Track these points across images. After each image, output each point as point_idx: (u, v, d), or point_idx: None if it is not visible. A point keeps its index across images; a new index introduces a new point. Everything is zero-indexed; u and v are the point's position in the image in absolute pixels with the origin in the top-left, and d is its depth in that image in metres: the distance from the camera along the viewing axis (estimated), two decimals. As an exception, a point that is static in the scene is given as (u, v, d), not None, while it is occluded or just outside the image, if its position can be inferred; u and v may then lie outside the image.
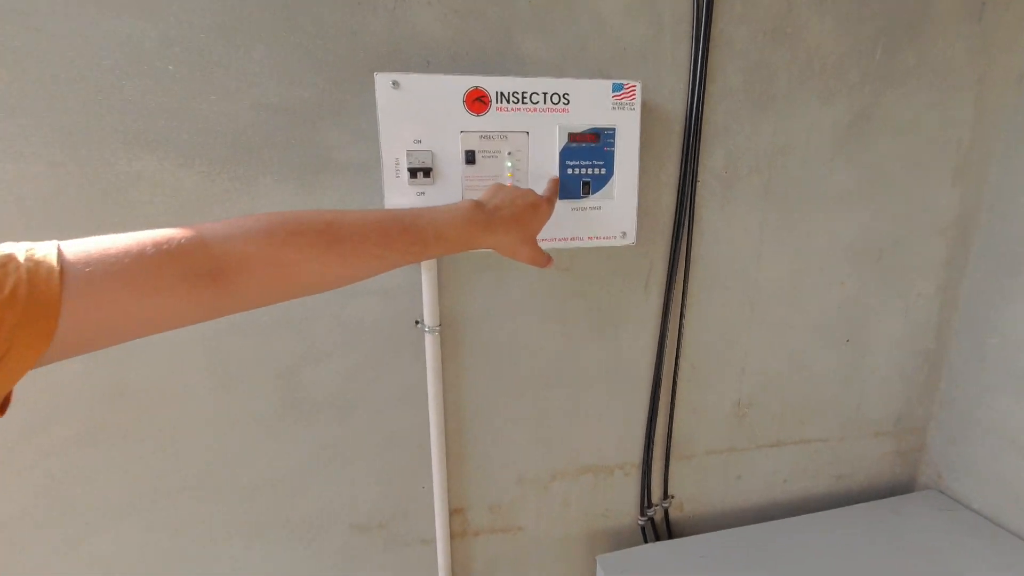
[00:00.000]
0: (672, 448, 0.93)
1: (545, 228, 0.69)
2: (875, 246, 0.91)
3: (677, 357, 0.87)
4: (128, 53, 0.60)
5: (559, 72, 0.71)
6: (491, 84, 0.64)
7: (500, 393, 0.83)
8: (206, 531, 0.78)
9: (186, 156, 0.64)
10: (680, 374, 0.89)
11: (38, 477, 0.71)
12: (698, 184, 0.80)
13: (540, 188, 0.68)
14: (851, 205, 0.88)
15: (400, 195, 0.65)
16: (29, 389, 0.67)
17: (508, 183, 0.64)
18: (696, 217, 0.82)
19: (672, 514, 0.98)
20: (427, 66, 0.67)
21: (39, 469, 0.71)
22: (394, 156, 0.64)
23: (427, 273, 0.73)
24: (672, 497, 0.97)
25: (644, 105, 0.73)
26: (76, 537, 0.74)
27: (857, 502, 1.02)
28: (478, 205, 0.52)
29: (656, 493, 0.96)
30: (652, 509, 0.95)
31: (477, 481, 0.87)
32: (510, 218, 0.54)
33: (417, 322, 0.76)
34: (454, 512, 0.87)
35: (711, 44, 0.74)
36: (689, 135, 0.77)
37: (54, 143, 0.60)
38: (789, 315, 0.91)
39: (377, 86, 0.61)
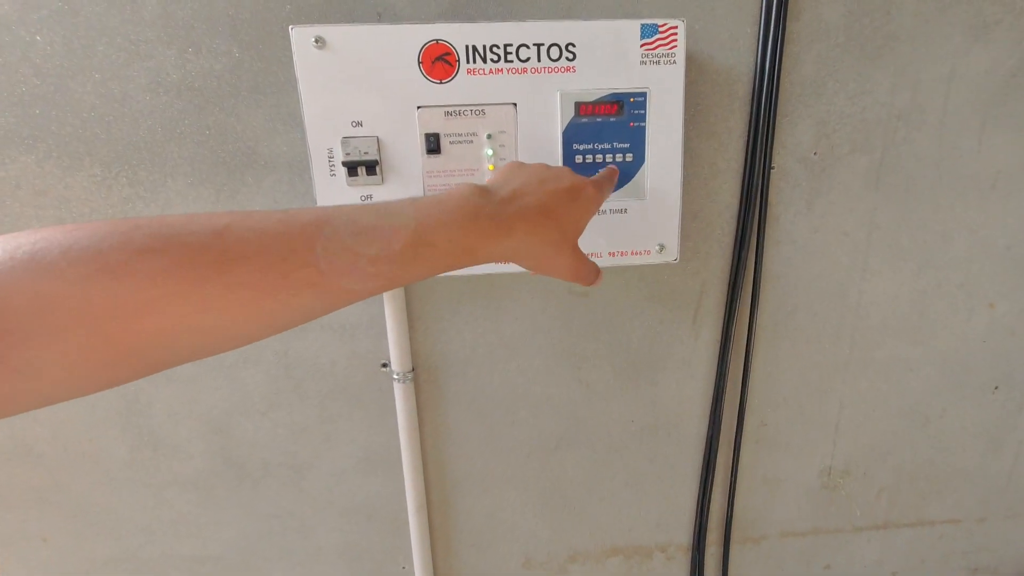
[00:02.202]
0: (733, 528, 0.69)
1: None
2: (1045, 253, 0.62)
3: (741, 411, 0.64)
4: (-15, 23, 0.45)
5: (566, 14, 0.50)
6: (457, 35, 0.44)
7: (497, 455, 0.63)
8: (141, 611, 0.64)
9: (72, 156, 0.49)
10: (745, 433, 0.65)
11: (-48, 541, 0.60)
12: (773, 172, 0.56)
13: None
14: (1012, 192, 0.59)
15: (336, 200, 0.47)
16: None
17: (521, 163, 0.39)
18: (770, 219, 0.58)
19: (733, 610, 0.74)
20: (378, 19, 0.49)
21: (-48, 532, 0.60)
22: (325, 146, 0.45)
23: (392, 303, 0.54)
24: (733, 589, 0.73)
25: (690, 58, 0.50)
26: (-3, 611, 0.63)
27: (1003, 606, 0.73)
28: (484, 192, 0.31)
29: (711, 583, 0.73)
30: (705, 604, 0.72)
31: (471, 562, 0.68)
32: (537, 209, 0.32)
33: (384, 365, 0.58)
34: (443, 597, 0.69)
35: (796, -41, 0.50)
36: (760, 100, 0.53)
37: (-88, 146, 0.48)
38: (908, 352, 0.65)
39: (294, 46, 0.43)
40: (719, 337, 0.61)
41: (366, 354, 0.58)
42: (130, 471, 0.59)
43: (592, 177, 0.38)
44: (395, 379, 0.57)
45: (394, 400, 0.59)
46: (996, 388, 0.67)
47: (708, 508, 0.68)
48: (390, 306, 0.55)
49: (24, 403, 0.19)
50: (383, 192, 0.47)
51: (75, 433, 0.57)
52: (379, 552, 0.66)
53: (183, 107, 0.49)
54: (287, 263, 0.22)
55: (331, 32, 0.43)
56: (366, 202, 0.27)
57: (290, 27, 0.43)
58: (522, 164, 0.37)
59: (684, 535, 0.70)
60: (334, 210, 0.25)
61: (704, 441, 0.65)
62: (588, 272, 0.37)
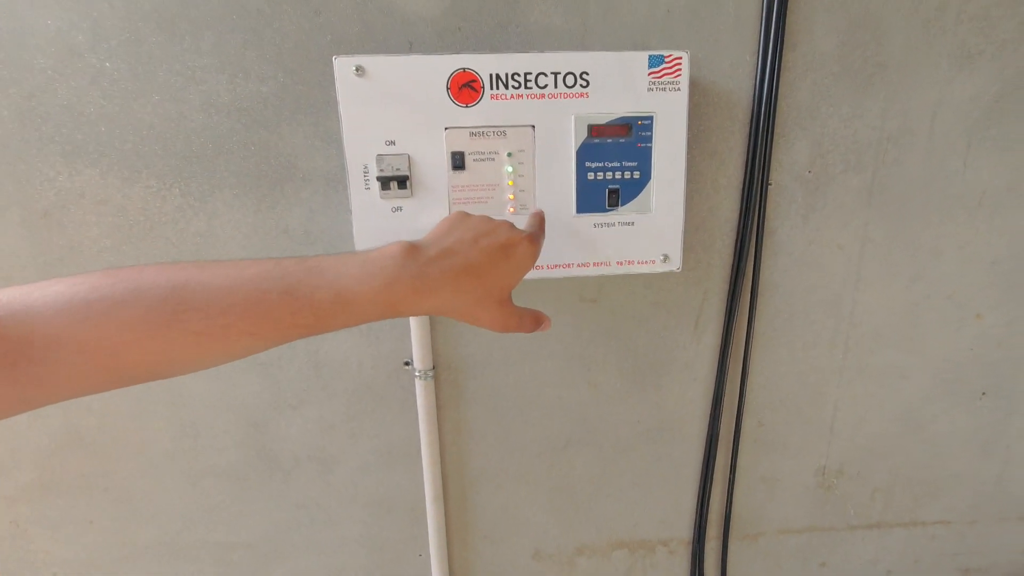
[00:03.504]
0: (732, 524, 0.73)
1: (562, 250, 0.54)
2: (1030, 266, 0.66)
3: (740, 412, 0.67)
4: (60, 51, 0.51)
5: (579, 46, 0.55)
6: (483, 64, 0.49)
7: (510, 452, 0.68)
8: (175, 593, 0.69)
9: (132, 169, 0.54)
10: (743, 433, 0.69)
11: (4, 524, 0.65)
12: (770, 188, 0.60)
13: (553, 197, 0.52)
14: (997, 210, 0.63)
15: (370, 211, 0.51)
16: (-22, 433, 0.61)
17: (474, 213, 0.41)
18: (767, 232, 0.62)
19: (733, 604, 0.78)
20: (409, 48, 0.54)
21: (4, 516, 0.64)
22: (361, 162, 0.50)
23: (415, 305, 0.59)
24: (733, 584, 0.77)
25: (694, 84, 0.55)
26: (42, 590, 0.67)
27: (995, 606, 0.76)
28: (411, 251, 0.34)
29: (712, 578, 0.76)
30: (706, 598, 0.75)
31: (484, 553, 0.72)
32: (463, 269, 0.34)
33: (407, 364, 0.63)
34: (457, 586, 0.73)
35: (792, -4, 0.54)
36: (758, 122, 0.58)
37: (-10, 159, 0.53)
38: (900, 359, 0.68)
39: (337, 74, 0.48)
40: (719, 342, 0.65)
41: (389, 354, 0.63)
42: (171, 460, 0.64)
43: (526, 231, 0.40)
44: (417, 376, 0.61)
45: (415, 398, 0.63)
46: (983, 395, 0.71)
47: (708, 505, 0.71)
48: (414, 309, 0.59)
49: (30, 404, 0.26)
50: (412, 204, 0.51)
51: (123, 423, 0.62)
52: (398, 542, 0.70)
53: (232, 126, 0.54)
54: (227, 317, 0.28)
55: (370, 61, 0.48)
56: (309, 256, 0.32)
57: (334, 57, 0.48)
58: (465, 217, 0.39)
59: (685, 531, 0.73)
60: (274, 265, 0.30)
61: (705, 441, 0.69)
62: (519, 324, 0.39)
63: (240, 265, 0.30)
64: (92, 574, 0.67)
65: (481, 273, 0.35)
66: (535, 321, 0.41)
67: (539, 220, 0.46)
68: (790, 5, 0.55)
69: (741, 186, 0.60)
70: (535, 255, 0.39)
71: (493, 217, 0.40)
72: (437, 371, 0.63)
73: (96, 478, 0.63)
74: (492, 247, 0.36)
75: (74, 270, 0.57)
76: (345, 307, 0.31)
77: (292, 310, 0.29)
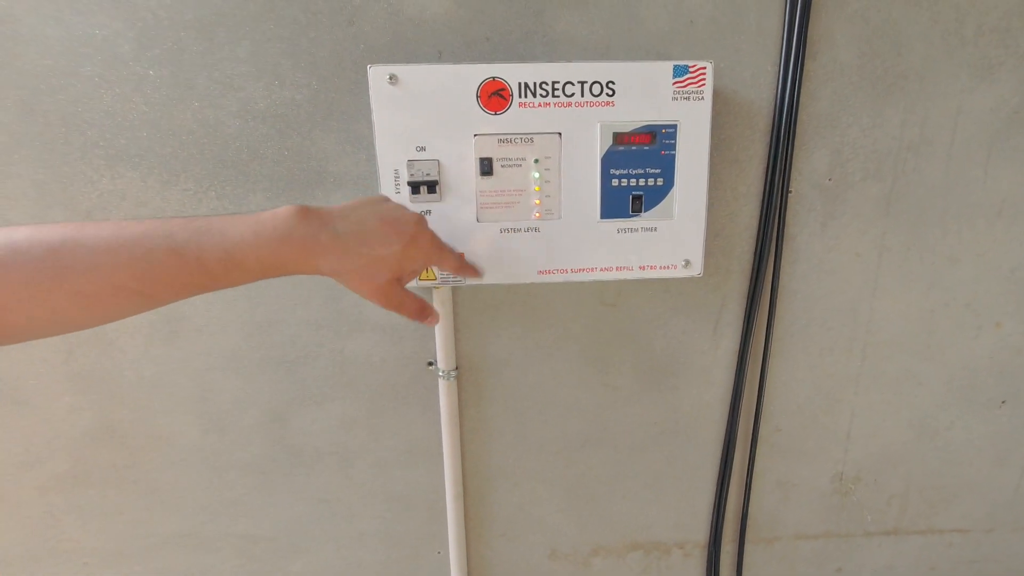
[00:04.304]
0: (748, 528, 0.73)
1: (586, 254, 0.55)
2: (1050, 276, 0.66)
3: (757, 417, 0.68)
4: (106, 58, 0.53)
5: (604, 55, 0.56)
6: (512, 73, 0.50)
7: (528, 451, 0.69)
8: (199, 584, 0.70)
9: (171, 172, 0.56)
10: (760, 438, 0.69)
11: (37, 513, 0.67)
12: (790, 196, 0.61)
13: (578, 203, 0.53)
14: (1017, 219, 0.64)
15: (400, 215, 0.53)
16: (17, 421, 0.63)
17: (391, 198, 0.43)
18: (787, 239, 0.63)
19: (747, 609, 0.78)
20: (439, 57, 0.55)
21: (38, 505, 0.67)
22: (392, 167, 0.52)
23: (441, 308, 0.60)
24: (747, 588, 0.77)
25: (716, 93, 0.56)
26: (72, 578, 0.69)
27: (1011, 616, 0.75)
28: (304, 213, 0.34)
29: (726, 581, 0.76)
30: (720, 601, 0.76)
31: (502, 551, 0.73)
32: (353, 237, 0.35)
33: (430, 364, 0.64)
34: (473, 584, 0.74)
35: (812, 4, 0.55)
36: (779, 131, 0.59)
37: (36, 160, 0.55)
38: (917, 367, 0.69)
39: (371, 82, 0.50)
40: (737, 348, 0.66)
41: (412, 354, 0.64)
42: (199, 453, 0.65)
43: (430, 237, 0.41)
44: (440, 376, 0.63)
45: (437, 397, 0.65)
46: (1003, 403, 0.71)
47: (724, 508, 0.72)
48: (440, 310, 0.60)
49: None
50: (442, 208, 0.53)
51: (153, 417, 0.64)
52: (417, 538, 0.71)
53: (267, 132, 0.56)
54: (114, 277, 0.29)
55: (403, 70, 0.50)
56: (198, 215, 0.32)
57: (368, 66, 0.50)
58: (382, 200, 0.40)
59: (701, 533, 0.74)
60: (159, 225, 0.30)
61: (721, 445, 0.70)
62: (399, 305, 0.40)
63: (122, 225, 0.30)
64: (120, 563, 0.69)
65: (372, 243, 0.36)
66: (419, 310, 0.42)
67: (454, 261, 0.46)
68: (812, 16, 0.56)
69: (761, 194, 0.61)
70: (427, 243, 0.40)
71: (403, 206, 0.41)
72: (460, 371, 0.64)
73: (127, 470, 0.65)
74: (390, 224, 0.37)
75: (113, 268, 0.59)
76: (235, 265, 0.31)
77: (181, 269, 0.30)
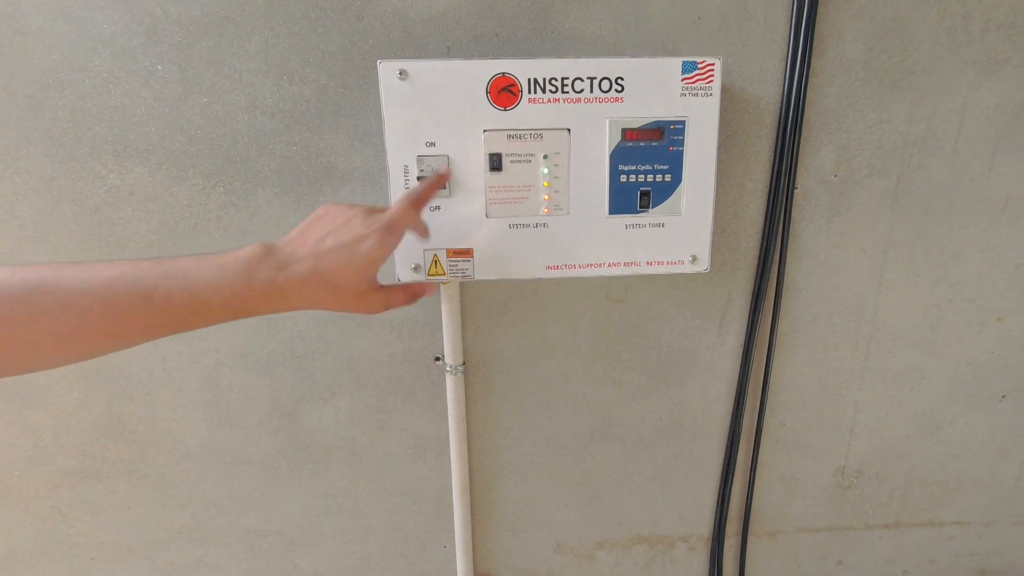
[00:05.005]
0: (751, 522, 0.74)
1: (594, 250, 0.55)
2: (1053, 272, 0.67)
3: (761, 412, 0.69)
4: (114, 54, 0.53)
5: (612, 51, 0.56)
6: (522, 69, 0.50)
7: (535, 446, 0.69)
8: (208, 578, 0.71)
9: (179, 168, 0.57)
10: (764, 433, 0.70)
11: (45, 508, 0.67)
12: (796, 192, 0.62)
13: (586, 198, 0.53)
14: (1021, 216, 0.64)
15: (409, 211, 0.53)
16: (27, 417, 0.63)
17: (345, 205, 0.41)
18: (792, 235, 0.63)
19: (750, 601, 0.79)
20: (447, 53, 0.55)
21: (46, 500, 0.67)
22: (402, 163, 0.52)
23: (449, 303, 0.61)
24: (750, 581, 0.78)
25: (723, 89, 0.56)
26: (82, 573, 0.70)
27: (1011, 608, 0.76)
28: (265, 255, 0.34)
29: (730, 573, 0.77)
30: (724, 594, 0.77)
31: (507, 545, 0.73)
32: (308, 276, 0.35)
33: (437, 359, 0.64)
34: (479, 578, 0.74)
35: (819, 1, 0.55)
36: (785, 127, 0.59)
37: (44, 155, 0.55)
38: (920, 362, 0.69)
39: (381, 77, 0.50)
40: (743, 343, 0.66)
41: (421, 349, 0.64)
42: (207, 449, 0.66)
43: (383, 221, 0.38)
44: (447, 371, 0.63)
45: (444, 392, 0.65)
46: (1003, 397, 0.72)
47: (728, 502, 0.72)
48: (446, 305, 0.61)
49: None
50: (451, 204, 0.53)
51: (163, 412, 0.64)
52: (424, 533, 0.72)
53: (275, 127, 0.56)
54: (84, 318, 0.29)
55: (413, 66, 0.50)
56: (167, 258, 0.33)
57: (378, 61, 0.50)
58: (325, 212, 0.39)
59: (705, 527, 0.75)
60: (130, 268, 0.31)
61: (726, 439, 0.70)
62: (386, 304, 0.39)
63: (96, 268, 0.31)
64: (128, 558, 0.70)
65: (327, 275, 0.36)
66: (408, 296, 0.41)
67: (410, 200, 0.41)
68: (819, 12, 0.56)
69: (767, 189, 0.61)
70: (385, 246, 0.37)
71: (365, 207, 0.39)
72: (467, 366, 0.64)
73: (135, 465, 0.66)
74: (338, 247, 0.36)
75: (121, 264, 0.59)
76: (200, 309, 0.32)
77: (149, 311, 0.31)
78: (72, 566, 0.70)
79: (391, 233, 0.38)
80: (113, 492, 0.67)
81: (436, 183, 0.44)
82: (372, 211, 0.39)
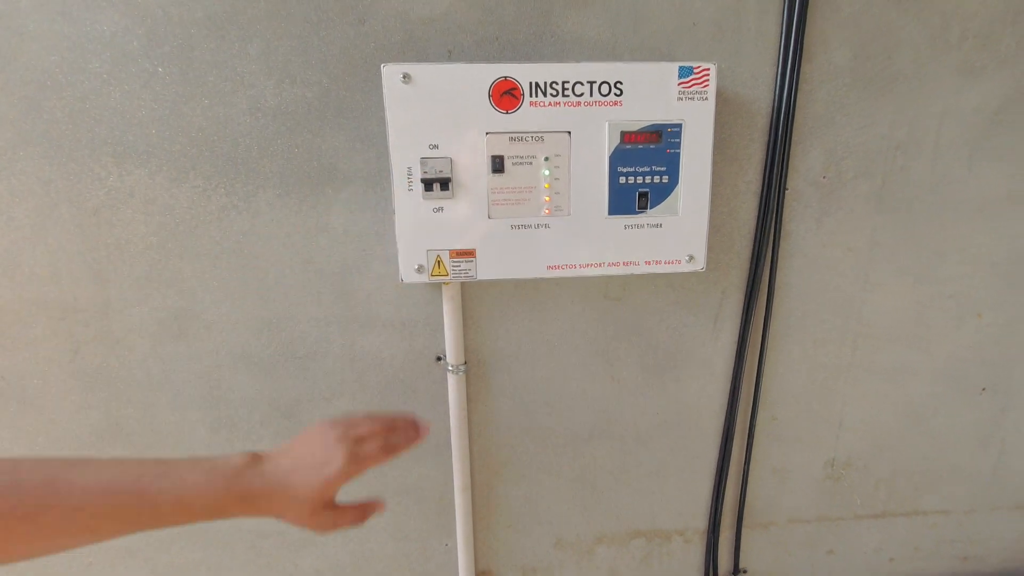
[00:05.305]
0: (745, 514, 0.76)
1: (594, 250, 0.56)
2: (1027, 269, 0.70)
3: (754, 406, 0.71)
4: (114, 55, 0.53)
5: (610, 55, 0.57)
6: (523, 73, 0.51)
7: (534, 444, 0.70)
8: (208, 581, 0.71)
9: (179, 169, 0.56)
10: (758, 427, 0.72)
11: (40, 513, 0.66)
12: (787, 193, 0.64)
13: (587, 199, 0.55)
14: (998, 215, 0.67)
15: (413, 211, 0.54)
16: (23, 421, 0.62)
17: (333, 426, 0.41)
18: (783, 235, 0.65)
19: (744, 591, 0.81)
20: (448, 56, 0.56)
21: (40, 505, 0.66)
22: (405, 164, 0.53)
23: (450, 303, 0.61)
24: (744, 571, 0.80)
25: (718, 93, 0.58)
26: (76, 579, 0.69)
27: (990, 592, 0.80)
28: (253, 462, 0.37)
29: (724, 565, 0.79)
30: (719, 585, 0.78)
31: (508, 541, 0.74)
32: (278, 485, 0.37)
33: (439, 358, 0.65)
34: (481, 575, 0.75)
35: (808, 9, 0.58)
36: (777, 130, 0.61)
37: (42, 157, 0.55)
38: (905, 357, 0.72)
39: (384, 81, 0.50)
40: (736, 339, 0.68)
41: (422, 349, 0.65)
42: (208, 450, 0.65)
43: (356, 451, 0.39)
44: (449, 371, 0.64)
45: (445, 392, 0.66)
46: (983, 390, 0.75)
47: (723, 496, 0.74)
48: (448, 305, 0.62)
49: None
50: (453, 205, 0.54)
51: (162, 414, 0.64)
52: (425, 531, 0.72)
53: (277, 129, 0.56)
54: (84, 514, 0.31)
55: (416, 69, 0.51)
56: (161, 460, 0.35)
57: (382, 65, 0.50)
58: (313, 431, 0.40)
59: (701, 520, 0.76)
60: (133, 466, 0.33)
61: (721, 434, 0.72)
62: (335, 524, 0.41)
63: (103, 466, 0.32)
64: (126, 561, 0.69)
65: (291, 489, 0.38)
66: (358, 515, 0.42)
67: (385, 449, 0.42)
68: (808, 20, 0.58)
69: (759, 191, 0.63)
70: (344, 476, 0.39)
71: (346, 427, 0.41)
72: (468, 366, 0.65)
73: (135, 468, 0.65)
74: (307, 467, 0.38)
75: (120, 266, 0.58)
76: (182, 510, 0.34)
77: (138, 510, 0.32)
78: (69, 571, 0.69)
79: (355, 465, 0.40)
80: (111, 496, 0.66)
81: (416, 440, 0.44)
82: (350, 432, 0.41)
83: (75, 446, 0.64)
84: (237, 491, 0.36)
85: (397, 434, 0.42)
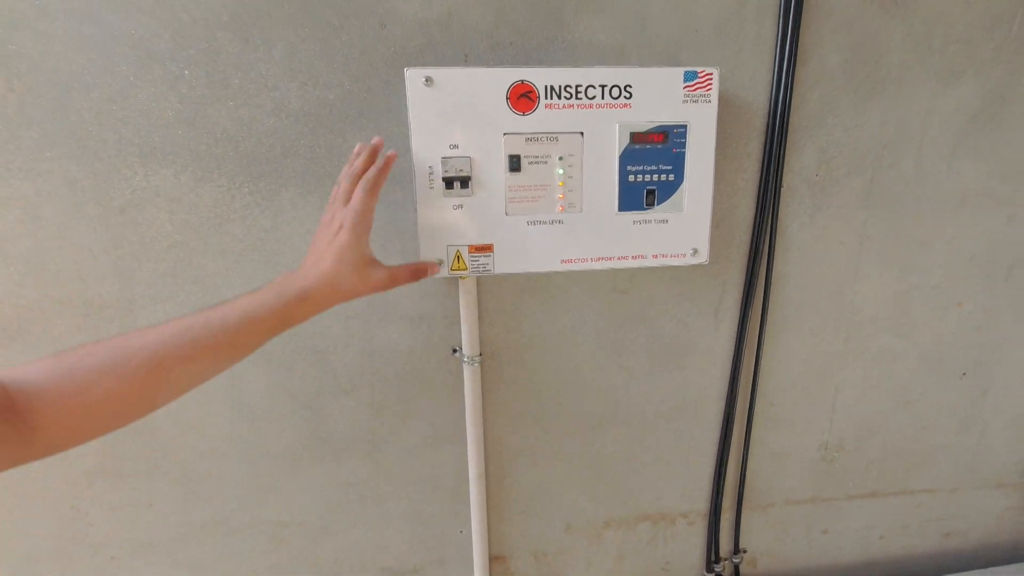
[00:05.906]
0: (745, 496, 0.80)
1: (605, 244, 0.59)
2: (1004, 260, 0.75)
3: (753, 393, 0.74)
4: (141, 57, 0.54)
5: (619, 59, 0.61)
6: (539, 77, 0.54)
7: (546, 432, 0.73)
8: (232, 569, 0.72)
9: (204, 169, 0.58)
10: (756, 412, 0.76)
11: (64, 508, 0.67)
12: (783, 190, 0.67)
13: (598, 197, 0.58)
14: (976, 210, 0.72)
15: (434, 208, 0.56)
16: (46, 420, 0.63)
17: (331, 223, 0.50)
18: (779, 229, 0.69)
19: (744, 570, 0.85)
20: (465, 60, 0.59)
21: (64, 500, 0.67)
22: (427, 164, 0.55)
23: (466, 297, 0.64)
24: (744, 551, 0.84)
25: (719, 95, 0.61)
26: (102, 572, 0.70)
27: (970, 567, 0.85)
28: (288, 275, 0.47)
29: (725, 546, 0.83)
30: (720, 564, 0.82)
31: (521, 527, 0.77)
32: (318, 272, 0.47)
33: (455, 351, 0.68)
34: (495, 560, 0.78)
35: (803, 15, 0.61)
36: (773, 130, 0.64)
37: (69, 157, 0.56)
38: (892, 344, 0.76)
39: (408, 84, 0.53)
40: (736, 329, 0.72)
41: (439, 342, 0.67)
42: (229, 443, 0.67)
43: (351, 210, 0.48)
44: (465, 362, 0.67)
45: (461, 383, 0.68)
46: (964, 375, 0.79)
47: (724, 479, 0.78)
48: (464, 299, 0.64)
49: (39, 455, 0.35)
50: (473, 201, 0.57)
51: (185, 408, 0.65)
52: (441, 518, 0.75)
53: (300, 129, 0.58)
54: (183, 361, 0.40)
55: (438, 73, 0.53)
56: (216, 305, 0.43)
57: (405, 68, 0.53)
58: (318, 231, 0.50)
59: (703, 503, 0.80)
60: (203, 317, 0.42)
61: (721, 419, 0.76)
62: (393, 280, 0.50)
63: (174, 326, 0.41)
64: (149, 554, 0.70)
65: (328, 267, 0.47)
66: (410, 274, 0.52)
67: (367, 189, 0.49)
68: (803, 25, 0.62)
69: (757, 188, 0.67)
70: (356, 231, 0.48)
71: (340, 204, 0.49)
72: (483, 357, 0.68)
73: (157, 461, 0.67)
74: (327, 246, 0.48)
75: (145, 264, 0.60)
76: (256, 329, 0.43)
77: (223, 345, 0.41)
78: (92, 564, 0.70)
79: (358, 220, 0.48)
80: (135, 490, 0.67)
81: (385, 168, 0.51)
82: (334, 207, 0.50)
83: (98, 441, 0.65)
84: (291, 296, 0.45)
85: (367, 175, 0.49)
